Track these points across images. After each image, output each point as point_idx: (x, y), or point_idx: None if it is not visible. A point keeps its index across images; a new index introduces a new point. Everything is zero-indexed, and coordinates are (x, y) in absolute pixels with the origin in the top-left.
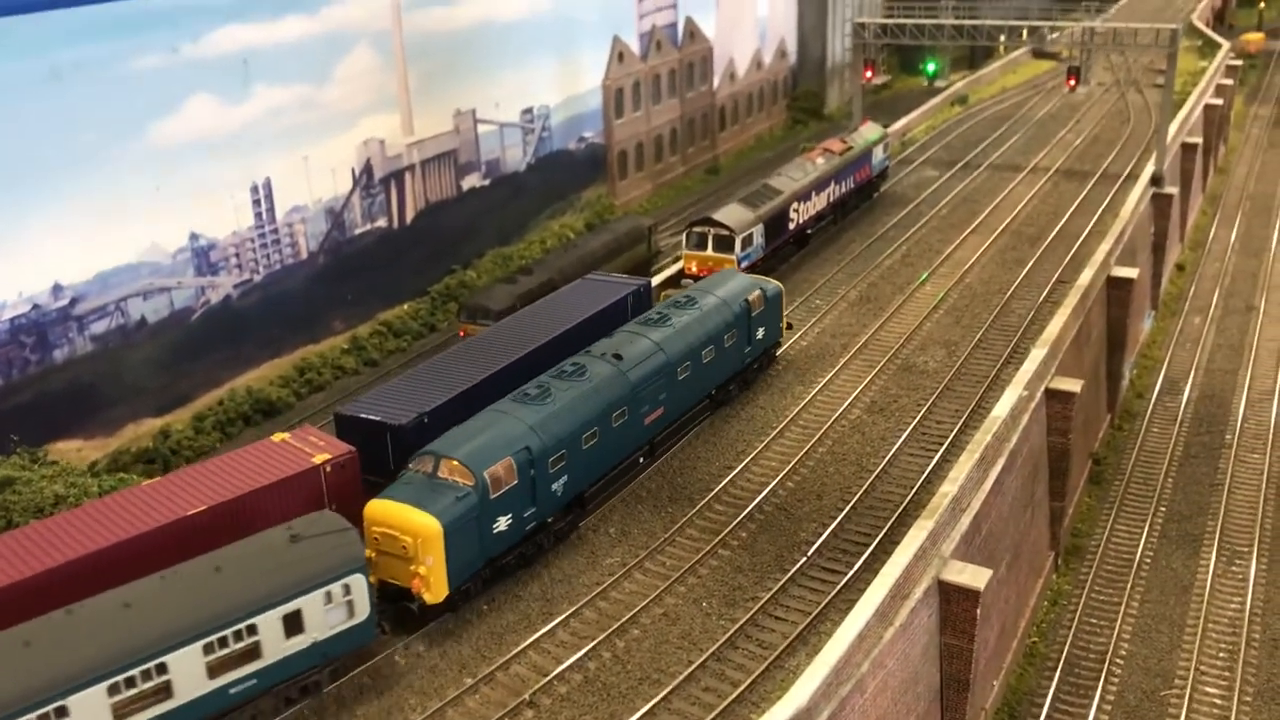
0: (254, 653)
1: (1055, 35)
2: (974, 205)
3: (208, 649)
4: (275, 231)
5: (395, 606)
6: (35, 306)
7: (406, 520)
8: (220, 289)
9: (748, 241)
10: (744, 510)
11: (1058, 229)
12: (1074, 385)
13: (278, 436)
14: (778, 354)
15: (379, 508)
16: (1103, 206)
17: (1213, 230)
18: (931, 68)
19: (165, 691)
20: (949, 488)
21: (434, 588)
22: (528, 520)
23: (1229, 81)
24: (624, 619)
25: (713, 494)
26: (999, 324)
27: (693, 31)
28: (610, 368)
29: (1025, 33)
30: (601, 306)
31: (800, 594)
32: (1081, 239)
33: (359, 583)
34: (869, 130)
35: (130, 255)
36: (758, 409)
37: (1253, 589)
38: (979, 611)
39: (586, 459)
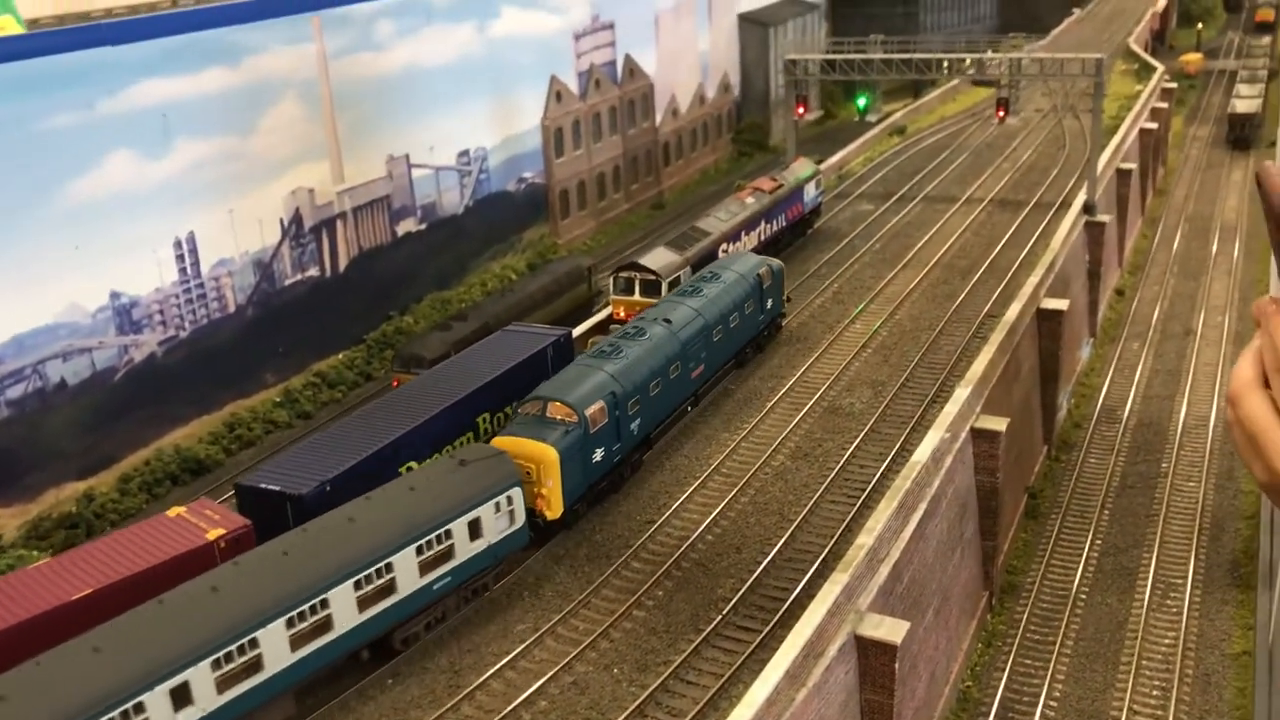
0: (449, 554)
1: (988, 64)
2: (908, 239)
3: (419, 550)
4: (201, 286)
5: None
6: None
7: (529, 450)
8: (144, 347)
9: (675, 284)
10: (661, 567)
11: (989, 261)
12: (999, 424)
13: (173, 511)
14: (783, 324)
15: (504, 442)
16: (1035, 237)
17: (1152, 253)
18: (862, 102)
19: (391, 587)
20: (865, 539)
21: (553, 506)
22: (614, 454)
23: (1164, 105)
24: (531, 690)
25: (631, 550)
26: (927, 361)
27: (632, 69)
28: (664, 329)
29: (968, 62)
30: (518, 360)
31: (714, 655)
32: (1013, 271)
33: (517, 494)
34: (801, 167)
35: (47, 317)
36: (681, 457)
37: (1186, 623)
38: (897, 666)
39: (653, 405)
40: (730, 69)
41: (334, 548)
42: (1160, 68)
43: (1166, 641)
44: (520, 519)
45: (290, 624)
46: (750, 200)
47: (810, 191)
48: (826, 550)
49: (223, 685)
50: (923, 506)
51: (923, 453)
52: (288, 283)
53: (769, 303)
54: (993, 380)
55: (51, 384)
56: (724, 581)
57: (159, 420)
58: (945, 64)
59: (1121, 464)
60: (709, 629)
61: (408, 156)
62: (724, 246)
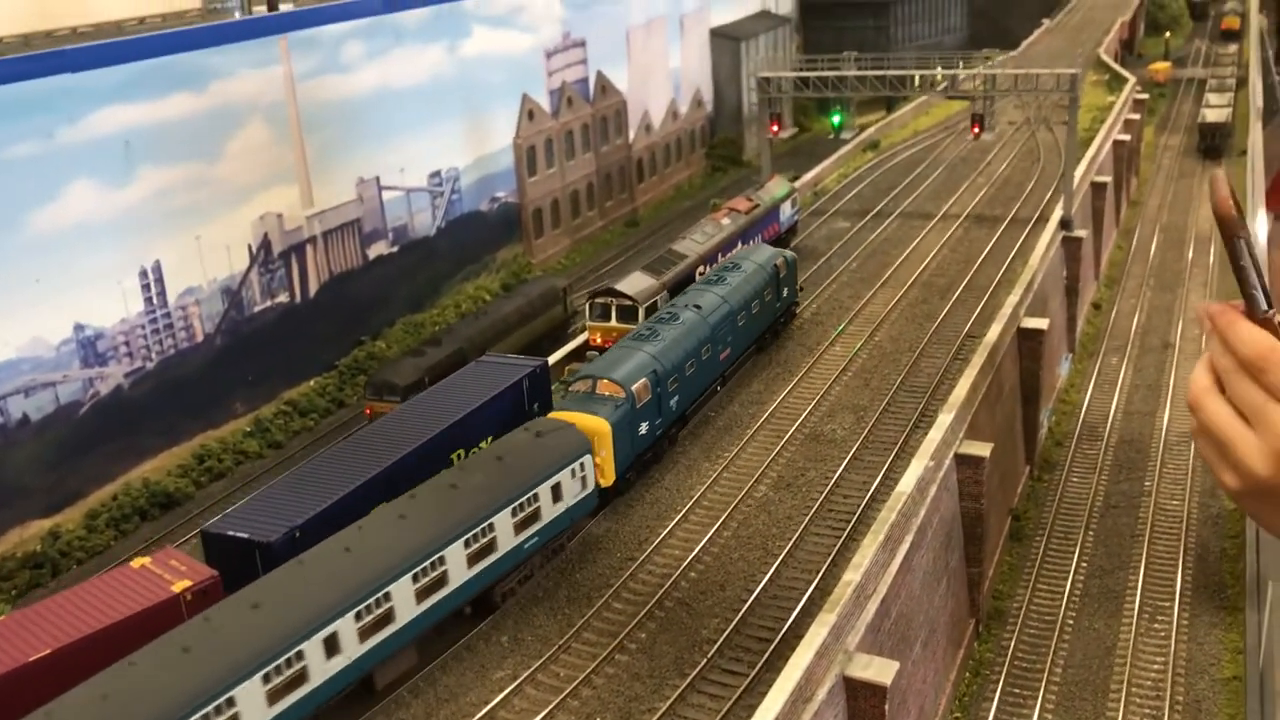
0: (536, 516)
1: (962, 79)
2: (885, 257)
3: (514, 512)
4: (168, 316)
5: None
6: None
7: (584, 423)
8: (110, 379)
9: (652, 310)
10: (644, 608)
11: (968, 279)
12: (983, 449)
13: (137, 562)
14: (797, 311)
15: (561, 417)
16: (1013, 253)
17: (1128, 265)
18: (837, 120)
19: (492, 546)
20: (852, 575)
21: (607, 474)
22: (657, 427)
23: (1136, 116)
24: None
25: (612, 590)
26: (908, 385)
27: (604, 86)
28: (695, 314)
29: (940, 78)
30: (493, 393)
31: (700, 701)
32: (991, 289)
33: (588, 461)
34: (776, 186)
35: (9, 351)
36: (663, 490)
37: (1174, 648)
38: (887, 707)
39: (688, 384)
40: (703, 84)
41: (444, 511)
42: (1132, 79)
43: (1155, 667)
44: (591, 484)
45: (415, 579)
46: (726, 221)
47: (786, 210)
48: (812, 586)
49: (364, 635)
50: (909, 538)
51: (907, 482)
52: (257, 309)
53: (784, 291)
54: (975, 404)
55: (14, 420)
56: (708, 622)
57: (126, 454)
58: (918, 80)
59: (1104, 483)
60: (694, 673)
61: (378, 179)
62: (701, 269)
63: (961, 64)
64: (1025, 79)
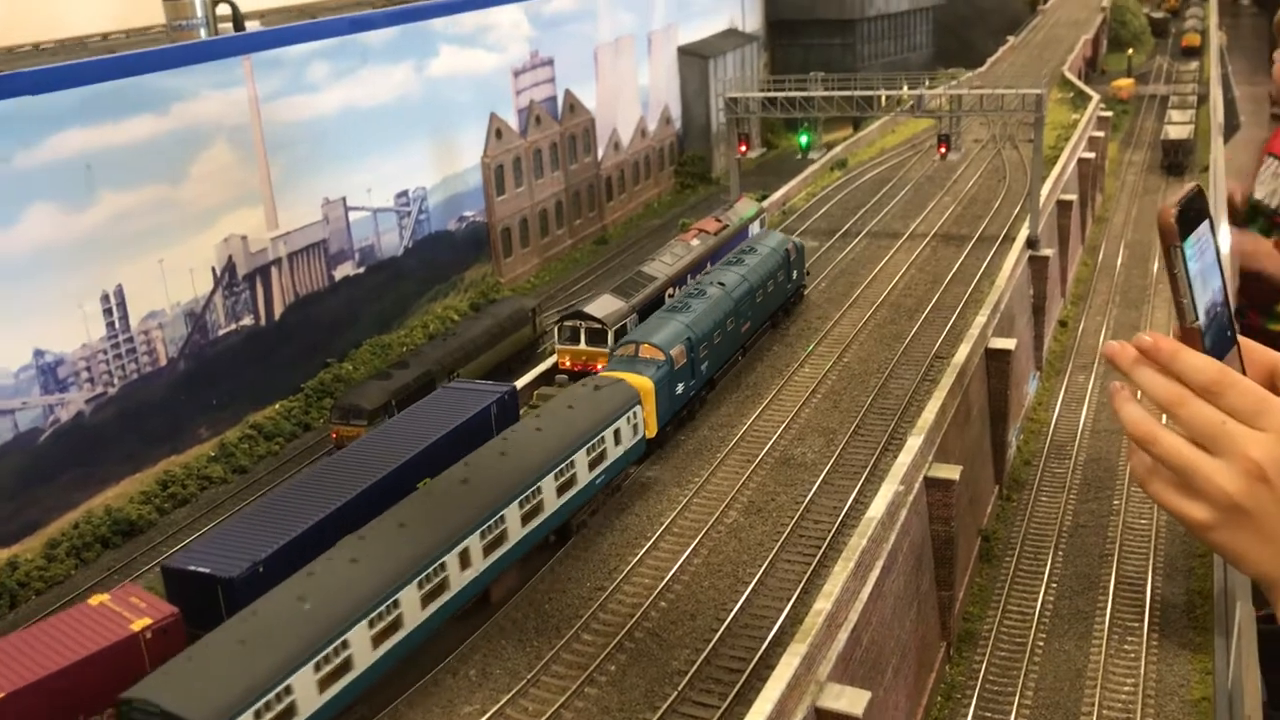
0: (602, 456)
1: (928, 98)
2: (853, 277)
3: (588, 451)
4: (130, 340)
5: None
6: None
7: (630, 381)
8: (71, 405)
9: (621, 333)
10: (614, 639)
11: (935, 299)
12: (953, 472)
13: (95, 599)
14: (805, 294)
15: (609, 375)
16: (980, 272)
17: (1094, 282)
18: (804, 140)
19: (573, 480)
20: (823, 604)
21: (650, 426)
22: (690, 389)
23: (1100, 134)
24: None
25: (582, 621)
26: (877, 407)
27: (573, 104)
28: (720, 290)
29: (906, 97)
30: (459, 421)
31: None
32: (959, 309)
33: (639, 411)
34: (744, 207)
35: None
36: (632, 516)
37: (1144, 669)
38: None
39: (716, 351)
40: (671, 102)
41: (536, 450)
42: (1096, 97)
43: (1126, 689)
44: (641, 431)
45: (521, 505)
46: (695, 242)
47: (755, 230)
48: (784, 614)
49: (486, 551)
50: (879, 564)
51: (877, 507)
52: (221, 333)
53: (794, 274)
54: (944, 425)
55: None
56: (679, 653)
57: (88, 481)
58: (884, 100)
59: (1073, 502)
60: (665, 706)
61: (344, 199)
62: (670, 290)
63: (927, 82)
64: (991, 99)
